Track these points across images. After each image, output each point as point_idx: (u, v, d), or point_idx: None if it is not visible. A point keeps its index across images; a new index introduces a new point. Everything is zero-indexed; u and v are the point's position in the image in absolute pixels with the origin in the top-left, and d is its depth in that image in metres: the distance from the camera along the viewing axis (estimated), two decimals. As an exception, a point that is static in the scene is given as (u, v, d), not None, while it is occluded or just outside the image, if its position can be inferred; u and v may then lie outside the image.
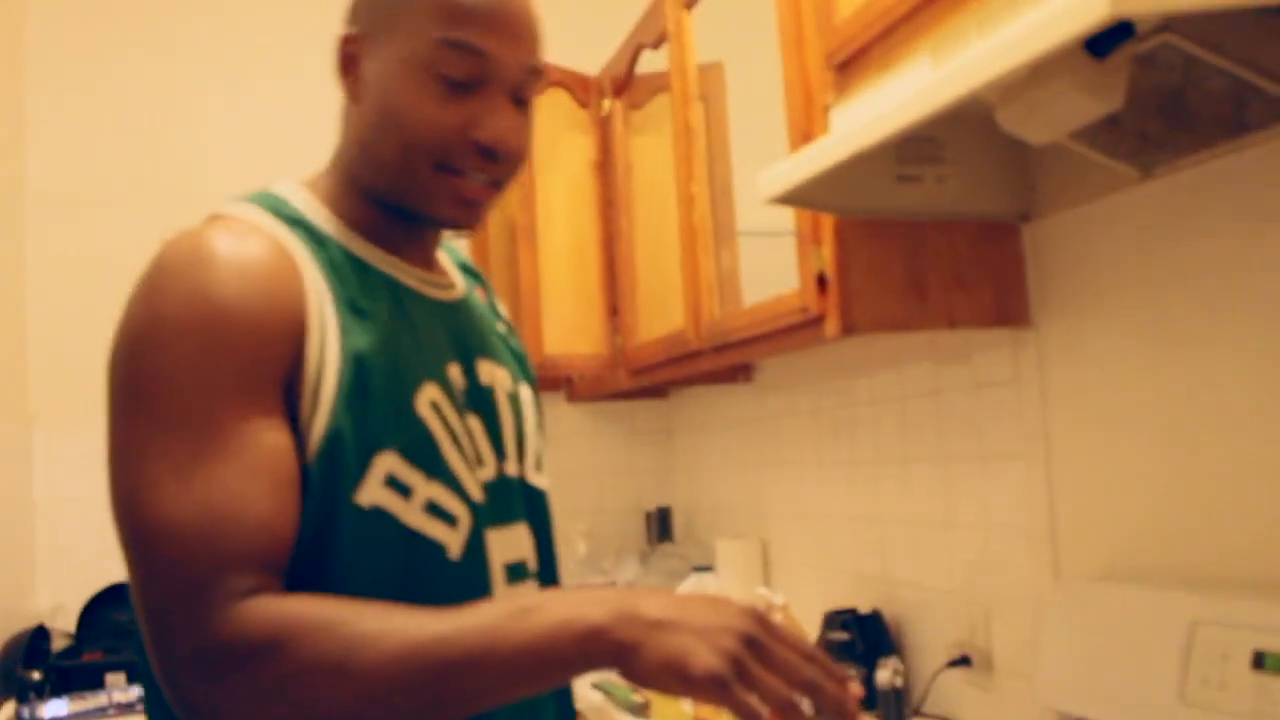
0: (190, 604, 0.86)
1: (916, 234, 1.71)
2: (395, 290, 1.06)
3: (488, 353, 1.14)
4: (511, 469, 1.11)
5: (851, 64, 1.61)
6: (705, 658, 0.80)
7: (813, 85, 1.72)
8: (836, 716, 0.86)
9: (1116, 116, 1.37)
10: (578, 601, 0.85)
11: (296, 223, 1.03)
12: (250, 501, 0.89)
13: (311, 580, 0.92)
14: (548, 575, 1.15)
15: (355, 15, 1.07)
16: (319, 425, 0.94)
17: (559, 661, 0.83)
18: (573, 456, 3.45)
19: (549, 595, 0.87)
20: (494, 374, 1.14)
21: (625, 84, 2.81)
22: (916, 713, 2.01)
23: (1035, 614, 1.77)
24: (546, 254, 2.88)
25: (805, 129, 1.73)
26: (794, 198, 1.58)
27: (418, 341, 1.04)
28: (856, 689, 0.89)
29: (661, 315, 2.51)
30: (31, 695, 2.56)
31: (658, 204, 2.53)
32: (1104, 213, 1.62)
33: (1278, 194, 1.35)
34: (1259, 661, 1.25)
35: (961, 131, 1.65)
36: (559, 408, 3.43)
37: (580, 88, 2.94)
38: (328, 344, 0.96)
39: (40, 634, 2.73)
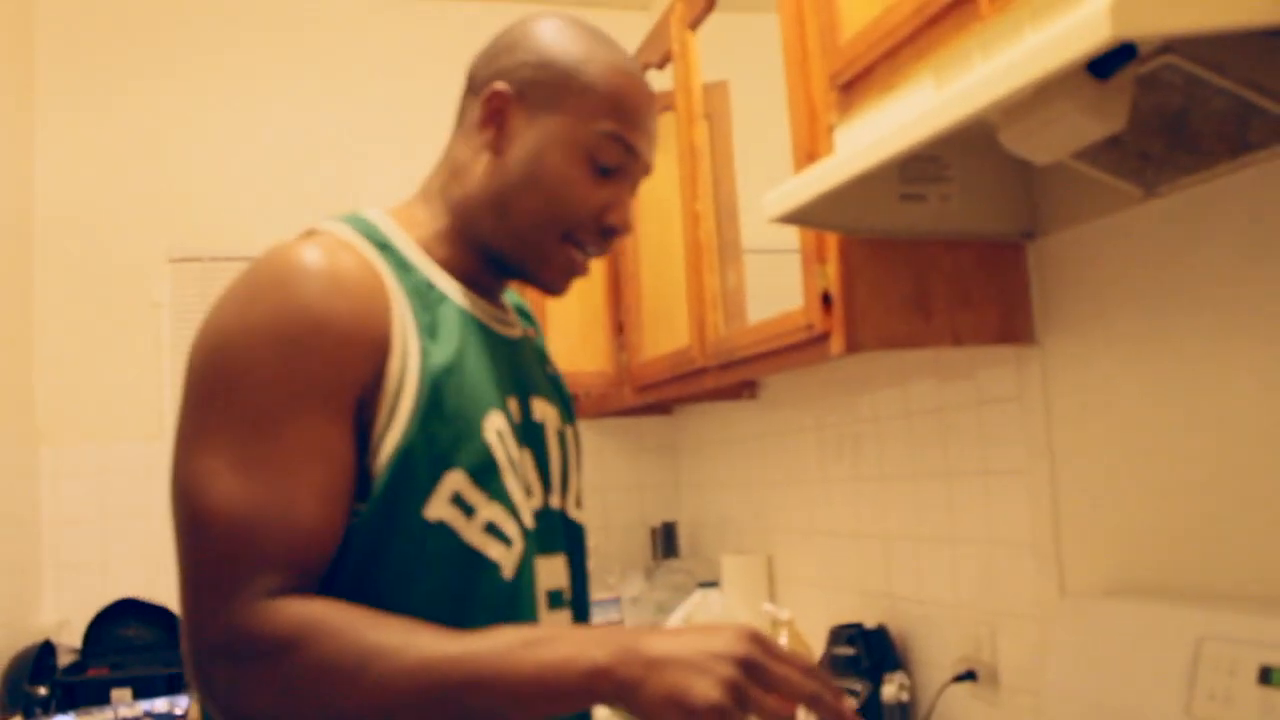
0: (225, 593, 0.91)
1: (921, 252, 1.73)
2: (468, 322, 1.11)
3: (541, 391, 1.21)
4: (555, 501, 1.18)
5: (855, 84, 1.63)
6: (705, 689, 0.85)
7: (817, 105, 1.74)
8: None
9: (1119, 136, 1.38)
10: (583, 639, 0.91)
11: (384, 247, 1.09)
12: (299, 507, 0.94)
13: (371, 584, 0.98)
14: (580, 605, 1.21)
15: (509, 74, 1.14)
16: (393, 439, 0.99)
17: (562, 694, 0.89)
18: (578, 473, 3.45)
19: (558, 630, 0.95)
20: (546, 411, 1.20)
21: (630, 103, 2.82)
22: (922, 729, 2.01)
23: (1040, 629, 1.78)
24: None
25: (810, 148, 1.75)
26: (799, 217, 1.60)
27: (486, 372, 1.10)
28: (852, 703, 0.93)
29: (667, 333, 2.52)
30: (38, 711, 2.56)
31: (663, 222, 2.55)
32: (1108, 231, 1.64)
33: (1279, 212, 1.36)
34: (1265, 677, 1.25)
35: (965, 151, 1.66)
36: (564, 424, 3.43)
37: (585, 106, 2.96)
38: (409, 363, 1.01)
39: (46, 650, 2.74)
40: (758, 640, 0.90)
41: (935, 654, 2.08)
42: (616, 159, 1.13)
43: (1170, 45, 1.19)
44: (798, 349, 1.86)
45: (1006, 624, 1.88)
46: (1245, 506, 1.42)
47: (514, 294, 1.33)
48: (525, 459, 1.14)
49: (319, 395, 0.97)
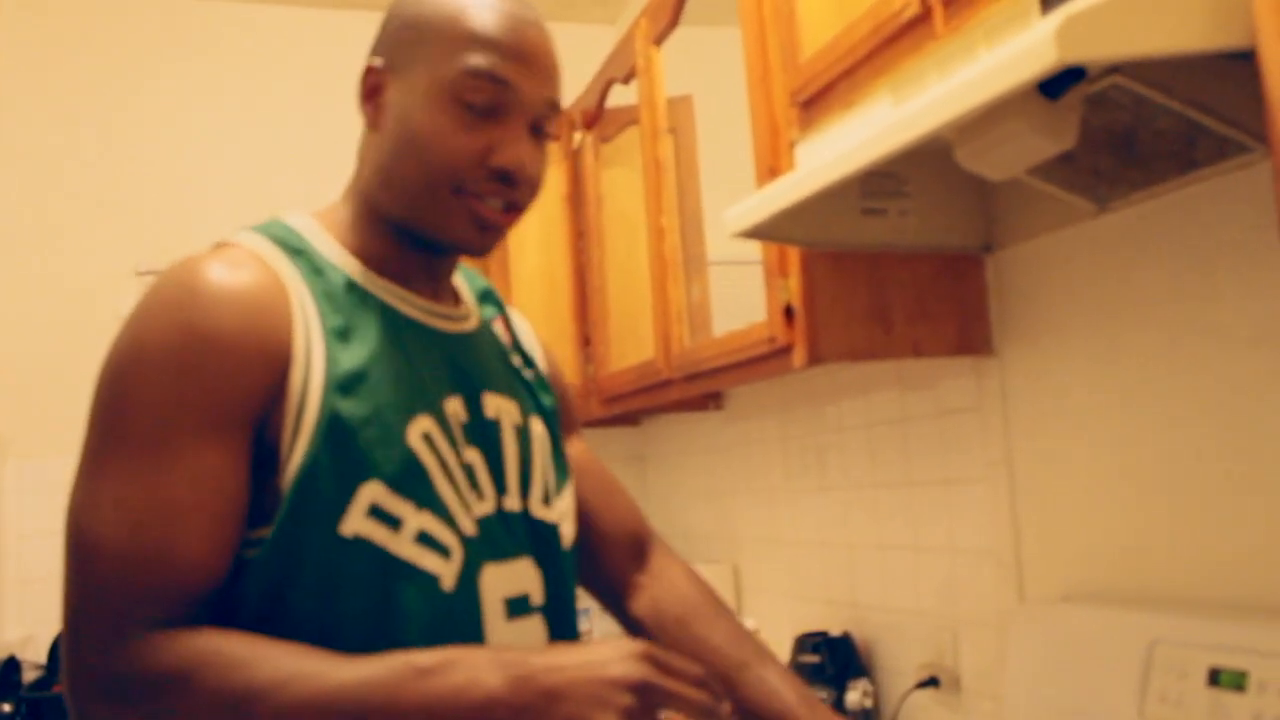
0: (105, 629, 0.90)
1: (881, 266, 1.76)
2: (394, 321, 1.07)
3: (495, 386, 1.15)
4: (512, 504, 1.11)
5: (816, 101, 1.66)
6: None
7: (778, 121, 1.77)
8: None
9: (1071, 153, 1.42)
10: (479, 665, 0.90)
11: (298, 252, 1.05)
12: (182, 538, 0.92)
13: (288, 606, 0.95)
14: (557, 610, 1.13)
15: (380, 47, 1.10)
16: (298, 454, 0.95)
17: None
18: (545, 484, 3.46)
19: (454, 655, 0.91)
20: (501, 407, 1.14)
21: (596, 118, 2.85)
22: (886, 735, 2.04)
23: (1001, 635, 1.81)
24: (519, 285, 2.91)
25: (771, 164, 1.78)
26: (760, 232, 1.62)
27: (414, 373, 1.05)
28: (729, 708, 0.97)
29: (633, 345, 2.55)
30: (4, 728, 2.55)
31: (628, 235, 2.57)
32: (1062, 244, 1.67)
33: (1225, 228, 1.40)
34: (1214, 678, 1.29)
35: (923, 166, 1.69)
36: (531, 436, 3.44)
37: (551, 121, 2.98)
38: (312, 374, 0.97)
39: (11, 665, 2.72)
40: (651, 659, 0.92)
41: (899, 661, 2.11)
42: (486, 96, 1.04)
43: (1118, 66, 1.22)
44: (761, 361, 1.89)
45: (968, 630, 1.92)
46: (1196, 513, 1.46)
47: (479, 277, 1.28)
48: (475, 460, 1.08)
49: (209, 417, 0.94)
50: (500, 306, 1.28)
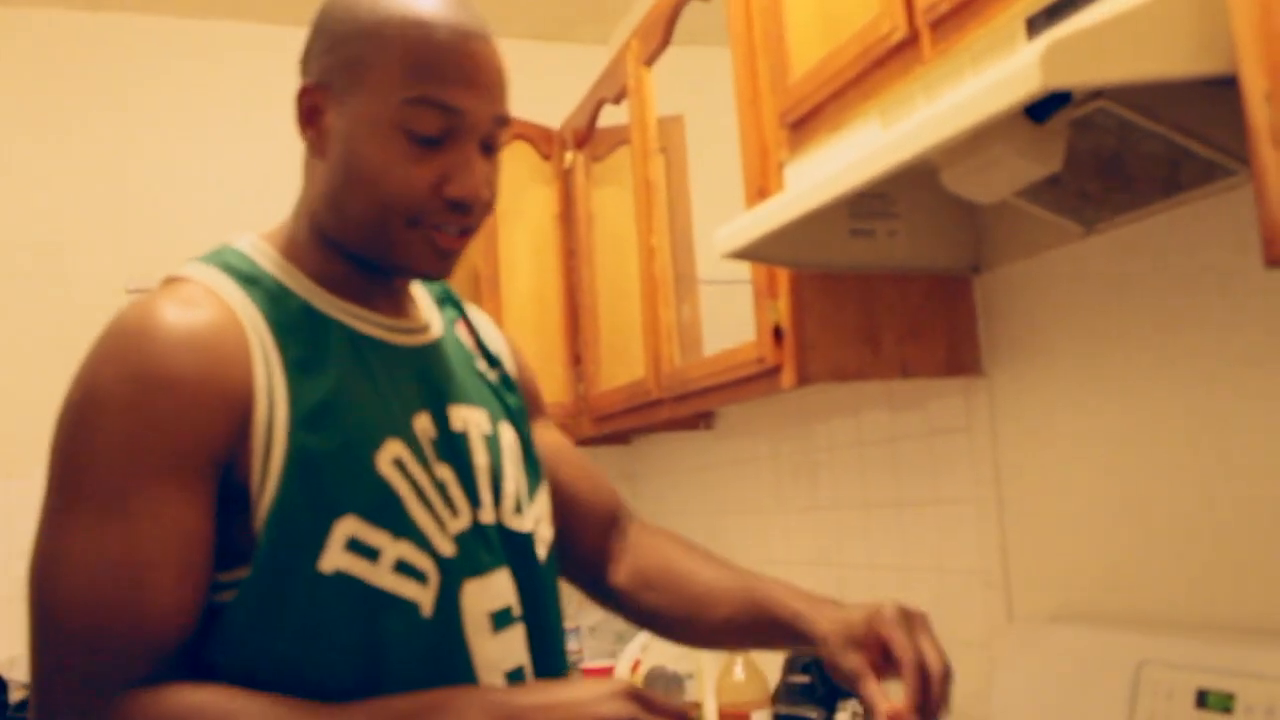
0: (76, 691, 0.89)
1: (870, 286, 1.77)
2: (356, 344, 1.04)
3: (461, 397, 1.12)
4: (487, 516, 1.09)
5: (805, 123, 1.67)
6: None
7: (768, 142, 1.78)
8: None
9: (1058, 176, 1.43)
10: (461, 707, 0.90)
11: (252, 281, 1.02)
12: (151, 590, 0.90)
13: (269, 649, 0.93)
14: (537, 618, 1.11)
15: (312, 66, 1.05)
16: (269, 493, 0.93)
17: None
18: (536, 503, 3.45)
19: (436, 699, 0.91)
20: (467, 418, 1.11)
21: (587, 137, 2.86)
22: (876, 755, 2.04)
23: (989, 655, 1.81)
24: (509, 303, 2.91)
25: (761, 185, 1.79)
26: (750, 253, 1.63)
27: (380, 396, 1.03)
28: None
29: (623, 364, 2.55)
30: (-9, 749, 2.54)
31: (619, 254, 2.58)
32: (1050, 266, 1.68)
33: (1210, 250, 1.41)
34: (1202, 700, 1.29)
35: (911, 188, 1.70)
36: (522, 455, 3.44)
37: (543, 140, 3.00)
38: (276, 412, 0.95)
39: (-1, 686, 2.71)
40: (634, 696, 0.92)
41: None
42: (435, 125, 0.99)
43: (1103, 91, 1.23)
44: (750, 381, 1.89)
45: (956, 650, 1.92)
46: (1182, 534, 1.46)
47: (443, 288, 1.24)
48: (447, 476, 1.06)
49: (169, 464, 0.91)
50: (459, 308, 1.24)
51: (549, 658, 1.12)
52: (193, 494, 0.92)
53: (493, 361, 1.23)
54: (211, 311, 0.97)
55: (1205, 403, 1.43)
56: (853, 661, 1.09)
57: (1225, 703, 1.26)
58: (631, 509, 1.38)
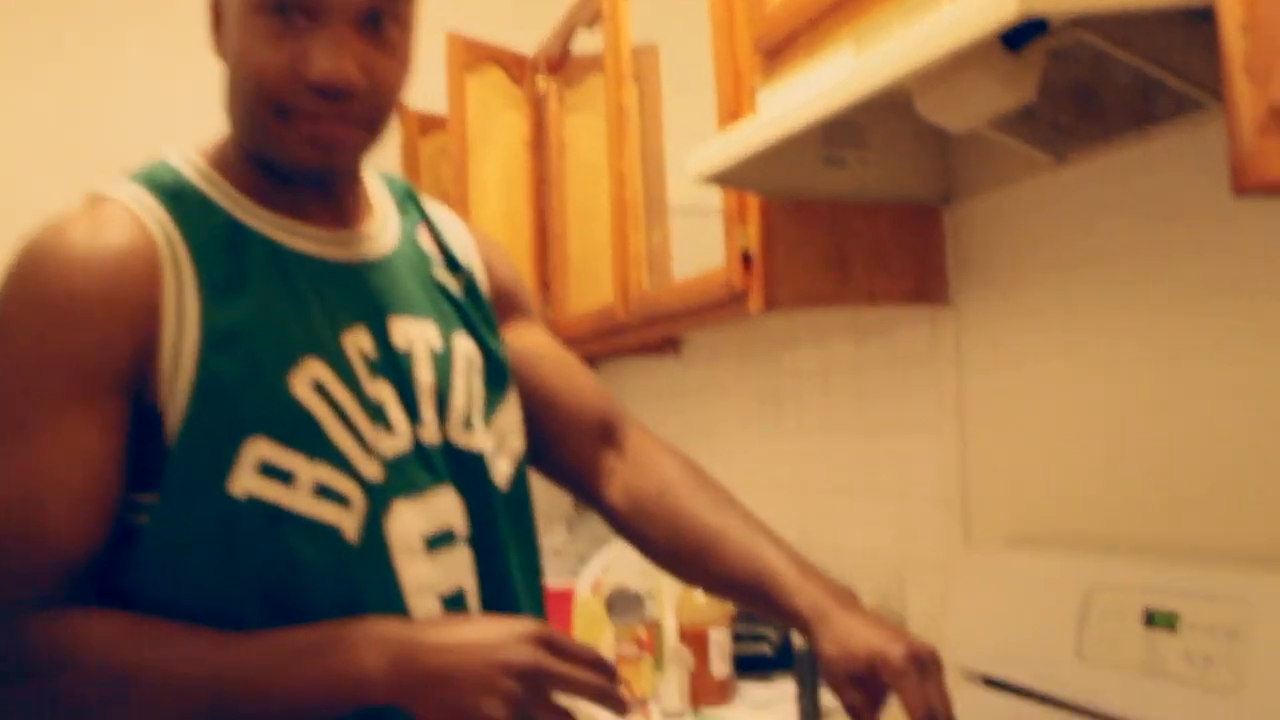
0: None
1: (840, 215, 1.78)
2: (281, 260, 1.01)
3: (408, 309, 1.07)
4: (430, 435, 1.05)
5: (780, 50, 1.67)
6: (490, 710, 0.88)
7: (742, 68, 1.78)
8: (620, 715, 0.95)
9: (1031, 106, 1.44)
10: (358, 643, 0.90)
11: (176, 196, 0.99)
12: (53, 511, 0.90)
13: (182, 574, 0.93)
14: (488, 540, 1.07)
15: None
16: (175, 415, 0.92)
17: (330, 708, 0.91)
18: (502, 428, 3.47)
19: (333, 634, 0.91)
20: (414, 332, 1.07)
21: (560, 63, 2.84)
22: (833, 674, 2.09)
23: (946, 578, 1.85)
24: (478, 228, 2.90)
25: (734, 110, 1.79)
26: (722, 178, 1.64)
27: (302, 314, 1.00)
28: (630, 693, 0.98)
29: (592, 290, 2.56)
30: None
31: (591, 182, 2.57)
32: (1020, 197, 1.70)
33: (1181, 183, 1.43)
34: (1150, 619, 1.33)
35: (884, 117, 1.71)
36: (489, 379, 3.45)
37: (515, 66, 2.97)
38: (185, 334, 0.93)
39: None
40: (543, 641, 0.92)
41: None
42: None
43: (1080, 20, 1.24)
44: (718, 307, 1.91)
45: (915, 573, 1.96)
46: (1136, 461, 1.50)
47: (399, 181, 1.19)
48: (385, 394, 1.02)
49: (71, 387, 0.91)
50: (421, 210, 1.19)
51: (501, 581, 1.08)
52: (97, 415, 0.91)
53: (455, 266, 1.17)
54: (121, 232, 0.95)
55: (1168, 334, 1.46)
56: (851, 698, 1.04)
57: (1171, 621, 1.30)
58: (633, 417, 1.32)
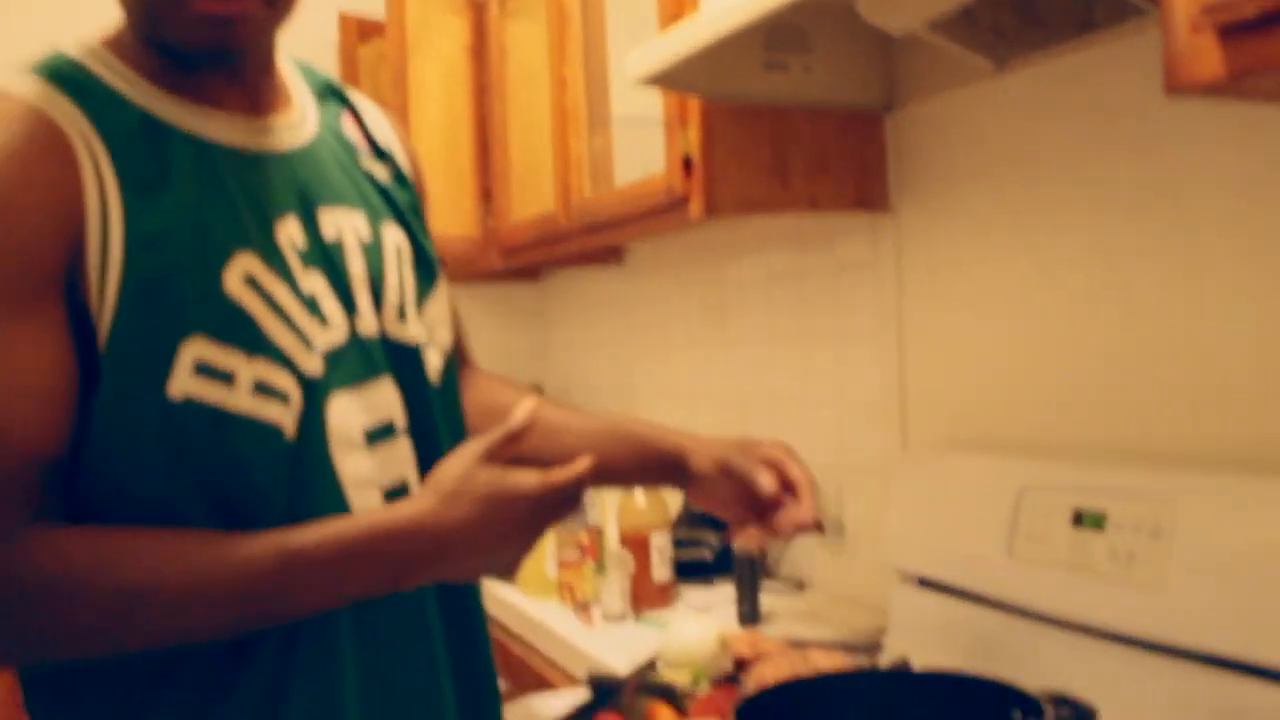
0: None
1: (782, 120, 1.77)
2: (203, 153, 0.96)
3: (334, 198, 1.04)
4: (367, 326, 1.02)
5: (723, -51, 1.64)
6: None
7: (684, -31, 1.75)
8: None
9: (972, 10, 1.43)
10: (393, 561, 0.93)
11: (82, 90, 0.92)
12: (19, 415, 0.86)
13: (124, 483, 0.90)
14: (426, 432, 1.06)
15: None
16: (107, 319, 0.88)
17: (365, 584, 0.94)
18: (445, 339, 3.46)
19: (352, 543, 0.92)
20: (342, 223, 1.04)
21: (501, -36, 2.78)
22: (771, 576, 2.12)
23: (884, 483, 1.88)
24: (418, 135, 2.85)
25: (675, 11, 1.76)
26: (662, 79, 1.62)
27: (230, 208, 0.96)
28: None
29: (534, 197, 2.53)
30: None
31: (532, 89, 2.53)
32: (961, 104, 1.70)
33: (1119, 91, 1.43)
34: (1078, 519, 1.36)
35: (827, 21, 1.69)
36: (431, 290, 3.43)
37: (455, -33, 2.90)
38: (111, 233, 0.89)
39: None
40: (546, 504, 0.95)
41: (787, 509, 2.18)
42: None
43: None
44: (659, 213, 1.90)
45: (853, 478, 1.99)
46: (1069, 367, 1.52)
47: (318, 71, 1.13)
48: (318, 286, 0.99)
49: (16, 284, 0.86)
50: (344, 100, 1.14)
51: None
52: (41, 320, 0.87)
53: (382, 155, 1.13)
54: (31, 128, 0.89)
55: (1103, 239, 1.47)
56: (737, 511, 1.21)
57: (1098, 520, 1.33)
58: (474, 359, 1.35)
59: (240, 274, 0.94)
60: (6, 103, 0.90)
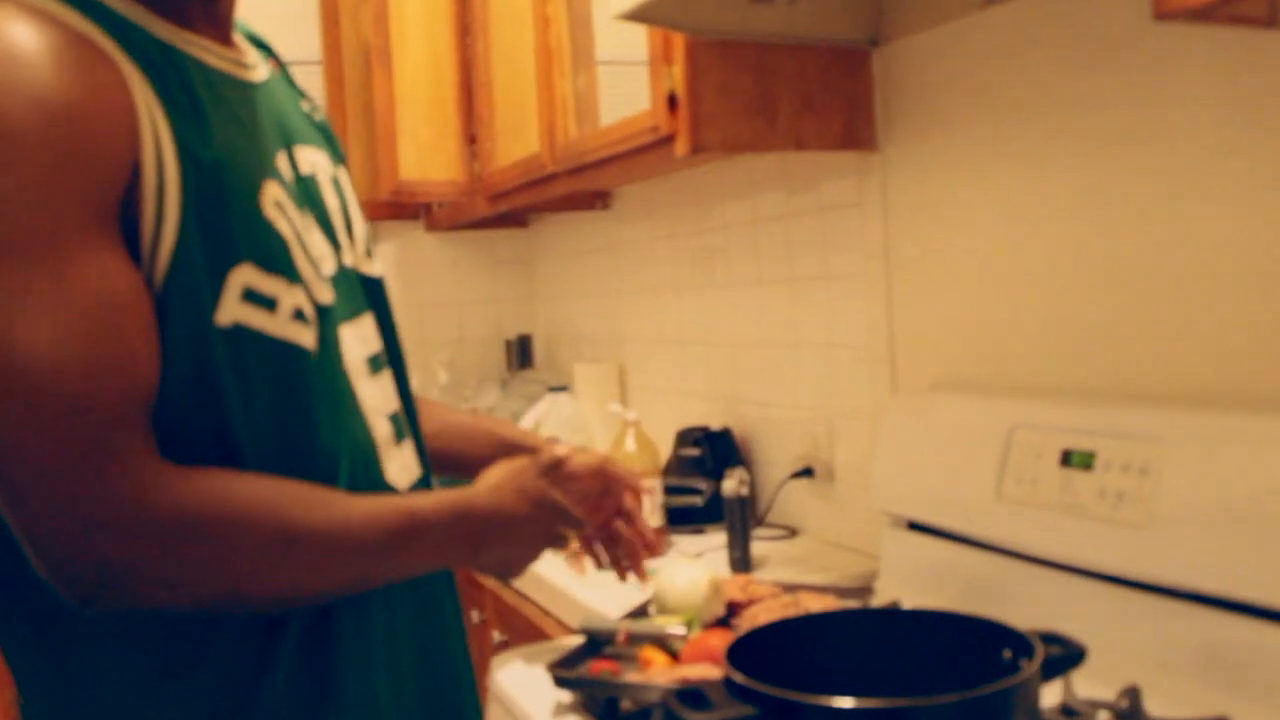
0: (96, 459, 0.78)
1: (768, 57, 1.73)
2: (210, 78, 0.94)
3: (303, 137, 1.05)
4: (347, 259, 1.05)
5: (705, -121, 1.60)
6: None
7: (667, -99, 1.70)
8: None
9: (959, -61, 1.40)
10: (455, 525, 0.99)
11: (93, 8, 0.86)
12: (131, 340, 0.81)
13: (195, 414, 0.87)
14: (396, 364, 1.10)
15: None
16: (166, 244, 0.84)
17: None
18: (433, 286, 3.44)
19: (449, 516, 0.98)
20: (314, 160, 1.05)
21: (482, -100, 2.72)
22: (761, 522, 2.12)
23: (873, 426, 1.87)
24: (401, 77, 2.81)
25: (659, -54, 1.72)
26: (645, 14, 1.58)
27: (247, 135, 0.95)
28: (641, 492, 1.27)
29: (519, 141, 2.50)
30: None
31: (517, 30, 2.49)
32: (949, 39, 1.66)
33: (1107, 23, 1.40)
34: (1066, 459, 1.35)
35: (813, -47, 1.66)
36: (418, 236, 3.40)
37: (435, -98, 2.84)
38: (164, 152, 0.84)
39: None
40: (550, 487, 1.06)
41: (776, 453, 2.18)
42: None
43: None
44: (644, 151, 1.87)
45: (842, 422, 1.97)
46: (1058, 306, 1.50)
47: (244, 23, 1.09)
48: (307, 222, 1.00)
49: (91, 207, 0.81)
50: (267, 48, 1.12)
51: (409, 404, 1.13)
52: (117, 237, 0.83)
53: (313, 105, 1.15)
54: (66, 32, 0.83)
55: (1093, 179, 1.44)
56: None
57: (1087, 460, 1.32)
58: None
59: (272, 200, 0.94)
60: (36, 17, 0.83)
